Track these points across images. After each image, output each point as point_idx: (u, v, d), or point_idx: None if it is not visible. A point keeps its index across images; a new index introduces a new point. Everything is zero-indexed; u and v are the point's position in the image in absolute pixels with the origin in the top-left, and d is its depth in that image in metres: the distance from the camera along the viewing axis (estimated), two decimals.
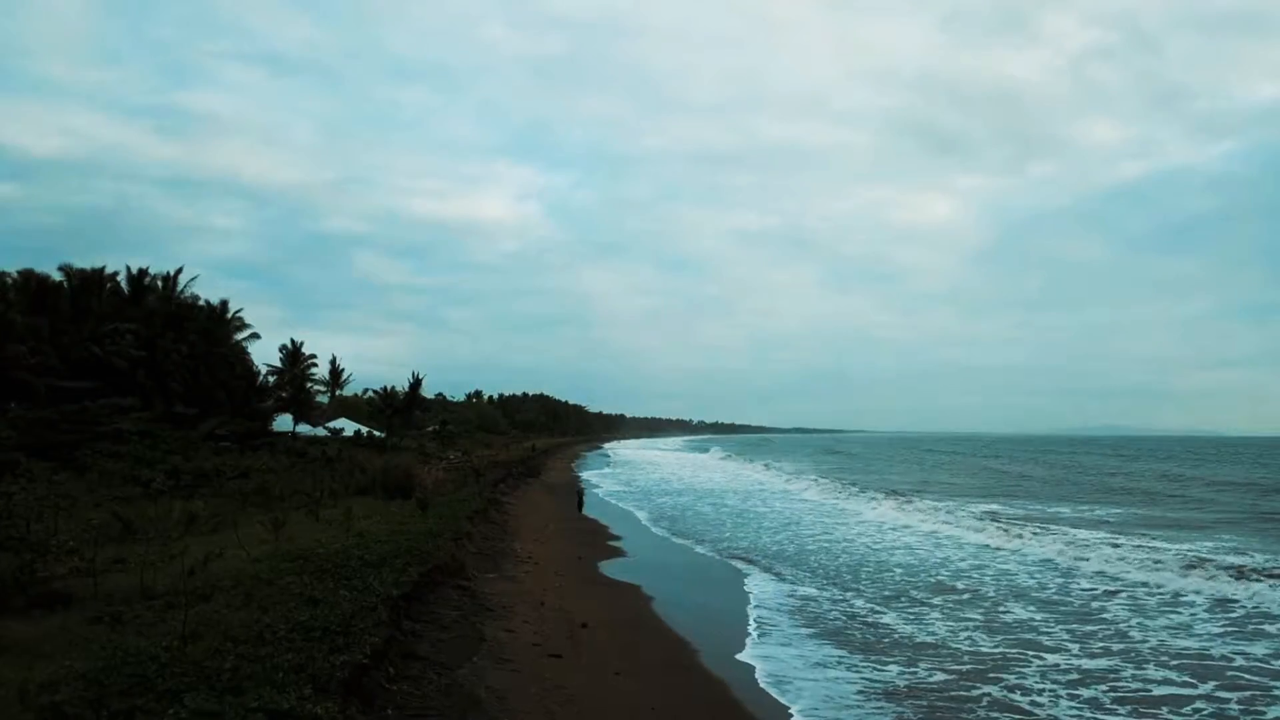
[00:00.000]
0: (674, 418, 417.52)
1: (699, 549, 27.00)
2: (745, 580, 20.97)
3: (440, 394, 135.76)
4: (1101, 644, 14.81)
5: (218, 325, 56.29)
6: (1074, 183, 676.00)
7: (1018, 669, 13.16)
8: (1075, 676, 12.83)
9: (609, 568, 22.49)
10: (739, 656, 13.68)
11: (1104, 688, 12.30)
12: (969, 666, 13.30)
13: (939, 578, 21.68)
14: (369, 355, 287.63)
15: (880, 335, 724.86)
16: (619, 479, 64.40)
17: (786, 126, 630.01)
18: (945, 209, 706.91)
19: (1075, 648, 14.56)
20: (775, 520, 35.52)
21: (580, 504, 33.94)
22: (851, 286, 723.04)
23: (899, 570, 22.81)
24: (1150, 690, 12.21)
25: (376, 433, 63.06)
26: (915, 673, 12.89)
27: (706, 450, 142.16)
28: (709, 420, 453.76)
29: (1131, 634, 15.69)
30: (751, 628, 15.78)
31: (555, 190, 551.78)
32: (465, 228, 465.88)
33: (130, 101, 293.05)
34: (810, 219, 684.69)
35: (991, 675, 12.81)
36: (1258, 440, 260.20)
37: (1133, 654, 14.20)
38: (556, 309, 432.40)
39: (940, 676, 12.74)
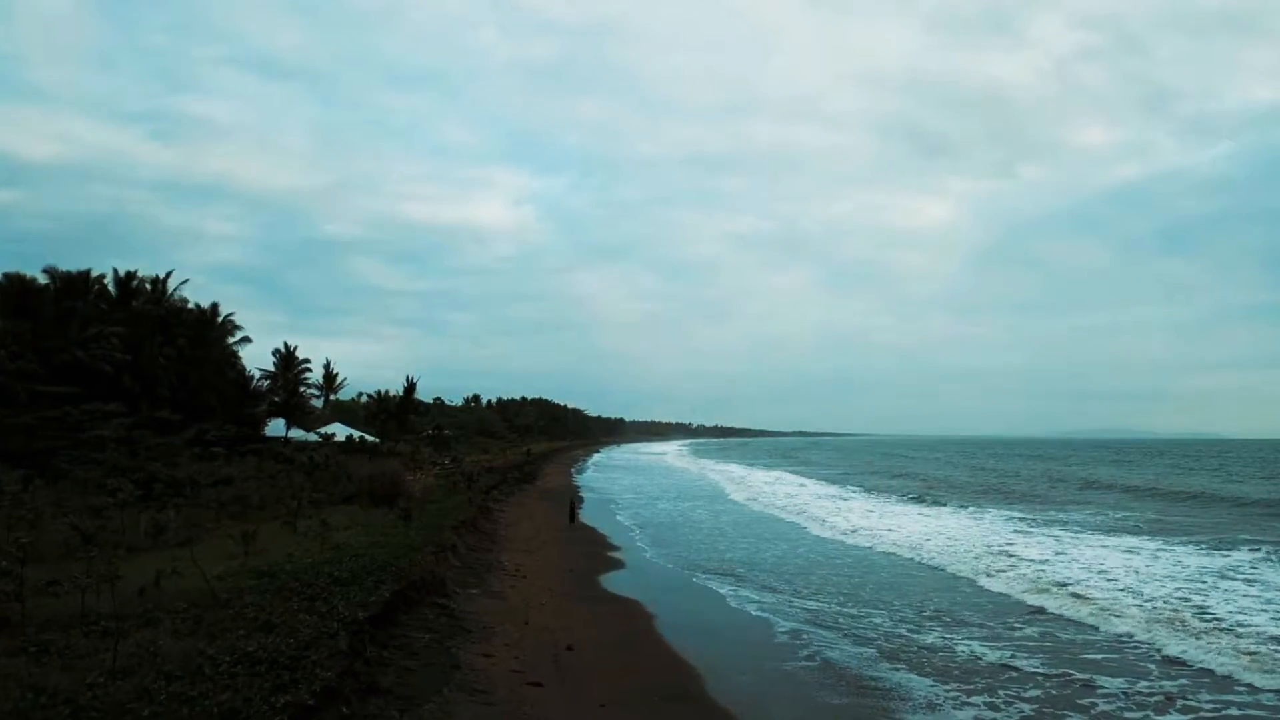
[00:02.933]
0: (674, 421, 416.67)
1: (708, 559, 25.31)
2: (759, 593, 19.69)
3: (438, 398, 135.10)
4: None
5: (208, 329, 55.34)
6: (1066, 185, 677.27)
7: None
8: None
9: (606, 581, 21.18)
10: (751, 683, 12.58)
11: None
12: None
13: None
14: (367, 360, 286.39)
15: (879, 339, 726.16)
16: (620, 484, 63.19)
17: (780, 130, 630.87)
18: (940, 212, 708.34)
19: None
20: (779, 529, 34.50)
21: (573, 514, 31.19)
22: (849, 290, 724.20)
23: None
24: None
25: (368, 437, 62.06)
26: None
27: (709, 455, 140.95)
28: (709, 424, 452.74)
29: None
30: (781, 641, 14.63)
31: (550, 194, 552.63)
32: (461, 232, 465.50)
33: (125, 107, 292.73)
34: (806, 222, 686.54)
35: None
36: (1255, 443, 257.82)
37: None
38: (555, 313, 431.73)
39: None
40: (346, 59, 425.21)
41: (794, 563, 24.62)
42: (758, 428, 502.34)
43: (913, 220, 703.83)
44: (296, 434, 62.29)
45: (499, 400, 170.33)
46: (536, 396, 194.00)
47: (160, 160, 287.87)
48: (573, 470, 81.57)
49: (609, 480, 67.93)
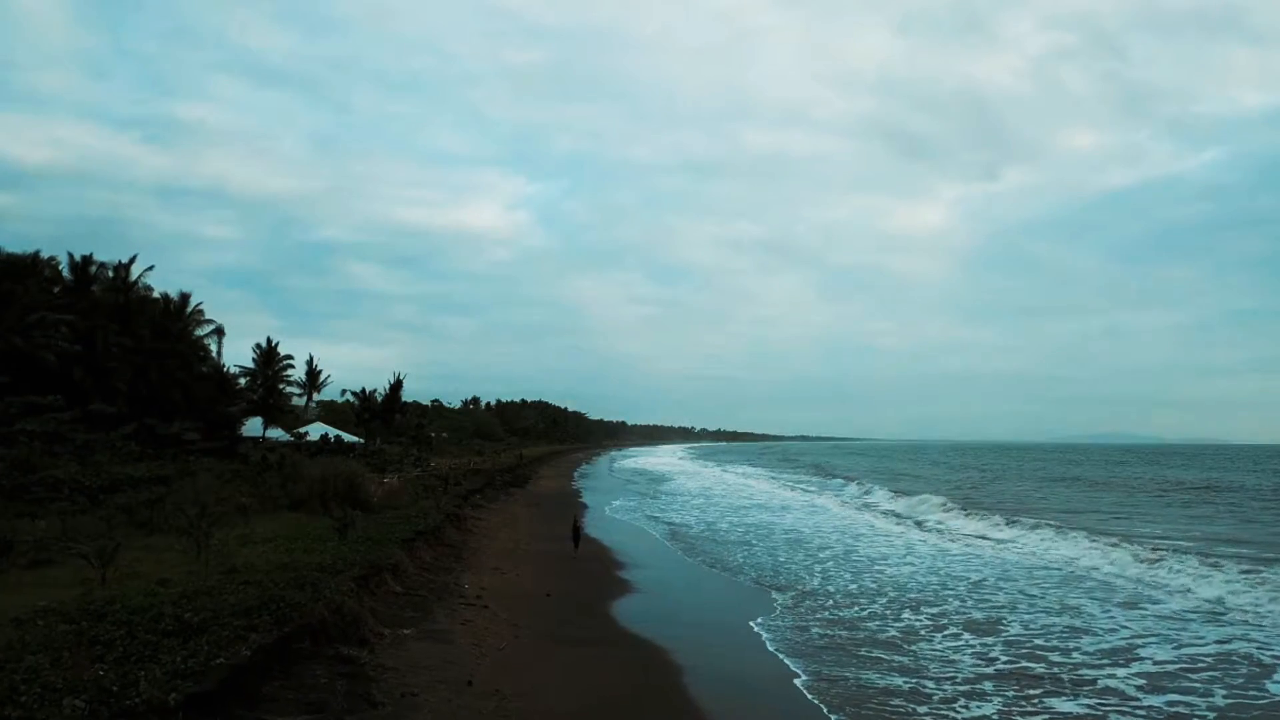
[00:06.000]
0: (675, 425, 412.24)
1: (751, 582, 20.24)
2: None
3: (436, 400, 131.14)
4: None
5: (174, 320, 51.30)
6: (1055, 189, 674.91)
7: None
8: None
9: (606, 612, 16.30)
10: None
11: None
12: None
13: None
14: (366, 364, 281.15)
15: (880, 343, 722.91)
16: (625, 490, 58.61)
17: (771, 135, 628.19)
18: (932, 216, 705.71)
19: None
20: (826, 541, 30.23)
21: (576, 537, 25.24)
22: (847, 294, 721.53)
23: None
24: None
25: (346, 437, 57.96)
26: None
27: (713, 459, 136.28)
28: (711, 428, 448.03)
29: None
30: None
31: (545, 199, 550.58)
32: (457, 237, 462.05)
33: (119, 112, 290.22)
34: (799, 227, 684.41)
35: None
36: (1257, 449, 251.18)
37: None
38: (552, 317, 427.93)
39: None
40: (339, 65, 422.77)
41: None
42: (760, 431, 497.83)
43: (905, 224, 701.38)
44: (277, 434, 58.27)
45: (498, 402, 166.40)
46: (537, 399, 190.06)
47: (156, 165, 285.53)
48: (573, 474, 76.79)
49: (614, 485, 63.55)
